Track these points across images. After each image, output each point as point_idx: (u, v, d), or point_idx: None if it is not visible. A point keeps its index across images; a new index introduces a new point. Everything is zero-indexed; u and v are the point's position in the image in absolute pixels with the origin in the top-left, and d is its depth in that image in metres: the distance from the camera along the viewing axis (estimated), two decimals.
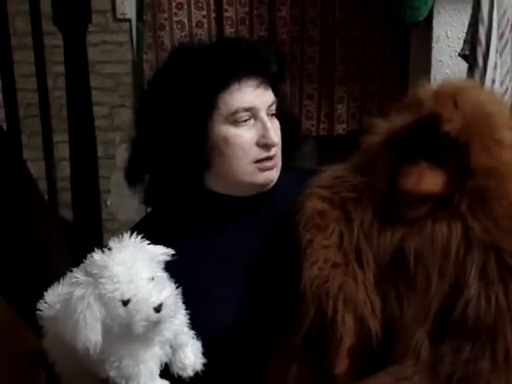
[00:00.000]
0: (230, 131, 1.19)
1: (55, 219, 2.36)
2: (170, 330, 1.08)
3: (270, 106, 1.22)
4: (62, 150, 2.66)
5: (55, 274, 1.15)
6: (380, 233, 1.04)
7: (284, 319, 1.08)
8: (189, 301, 1.14)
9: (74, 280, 1.04)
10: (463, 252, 1.00)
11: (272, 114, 1.23)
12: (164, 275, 1.07)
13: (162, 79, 1.24)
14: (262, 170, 1.21)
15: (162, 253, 1.08)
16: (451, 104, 1.02)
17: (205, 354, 1.15)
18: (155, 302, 1.00)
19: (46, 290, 1.17)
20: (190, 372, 1.11)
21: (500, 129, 1.02)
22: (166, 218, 1.28)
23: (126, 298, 1.00)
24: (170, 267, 1.11)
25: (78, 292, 1.01)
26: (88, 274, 1.03)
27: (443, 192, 1.00)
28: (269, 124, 1.20)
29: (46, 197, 2.48)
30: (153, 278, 1.03)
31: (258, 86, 1.19)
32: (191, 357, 1.12)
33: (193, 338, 1.13)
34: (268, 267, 1.19)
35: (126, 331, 1.02)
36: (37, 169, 2.59)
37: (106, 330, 1.02)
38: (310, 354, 1.05)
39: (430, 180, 1.01)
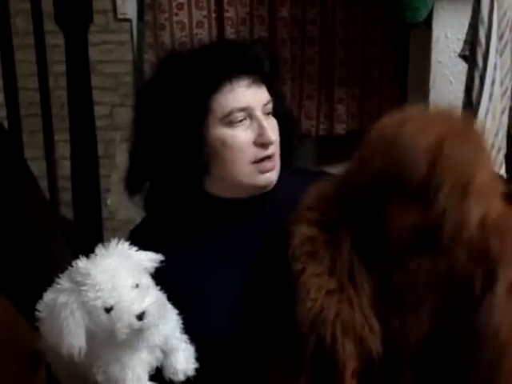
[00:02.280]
0: (227, 133, 1.19)
1: (56, 218, 2.36)
2: (159, 336, 1.09)
3: (266, 104, 1.21)
4: (63, 149, 2.67)
5: (56, 273, 1.15)
6: (364, 262, 1.05)
7: (281, 346, 1.09)
8: (188, 304, 1.14)
9: (58, 287, 1.05)
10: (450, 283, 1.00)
11: (268, 113, 1.22)
12: (149, 282, 1.08)
13: (154, 87, 1.24)
14: (262, 171, 1.21)
15: (149, 259, 1.09)
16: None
17: (200, 357, 1.16)
18: (137, 309, 1.01)
19: (47, 289, 1.17)
20: (181, 377, 1.12)
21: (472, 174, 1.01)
22: (166, 222, 1.28)
23: (108, 306, 1.01)
24: (169, 272, 1.12)
25: (62, 299, 1.03)
26: (71, 281, 1.04)
27: (428, 224, 1.00)
28: (265, 122, 1.19)
29: (47, 195, 2.49)
30: (137, 286, 1.04)
31: (250, 85, 1.19)
32: (183, 362, 1.12)
33: (185, 342, 1.14)
34: (268, 271, 1.19)
35: (109, 338, 1.03)
36: (37, 168, 2.58)
37: (91, 336, 1.03)
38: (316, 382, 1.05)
39: (410, 214, 1.01)
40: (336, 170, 1.32)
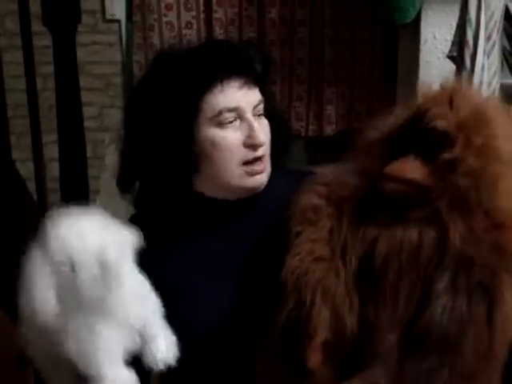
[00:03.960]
0: (216, 133, 1.19)
1: (44, 220, 2.35)
2: (136, 317, 1.06)
3: (257, 105, 1.21)
4: (51, 151, 2.65)
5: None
6: (359, 231, 1.04)
7: (269, 315, 1.08)
8: (176, 302, 1.14)
9: (31, 254, 1.06)
10: (434, 263, 0.98)
11: (259, 114, 1.22)
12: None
13: (145, 86, 1.24)
14: (251, 173, 1.20)
15: (126, 236, 1.08)
16: (447, 103, 1.01)
17: (188, 355, 1.15)
18: (98, 252, 1.01)
19: None
20: (161, 365, 1.09)
21: (495, 136, 1.00)
22: (155, 220, 1.28)
23: (72, 259, 1.01)
24: (157, 269, 1.12)
25: (30, 260, 1.04)
26: (40, 243, 1.05)
27: (424, 182, 0.99)
28: (255, 124, 1.19)
29: (35, 197, 2.48)
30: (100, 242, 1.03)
31: (241, 87, 1.19)
32: (163, 350, 1.10)
33: (166, 330, 1.12)
34: (258, 271, 1.19)
35: (76, 297, 1.02)
36: (26, 169, 2.58)
37: (61, 300, 1.02)
38: (290, 347, 1.04)
39: (413, 168, 0.99)
40: (325, 170, 1.33)
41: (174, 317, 1.13)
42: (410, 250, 0.98)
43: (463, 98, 1.02)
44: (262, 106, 1.23)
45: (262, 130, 1.21)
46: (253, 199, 1.25)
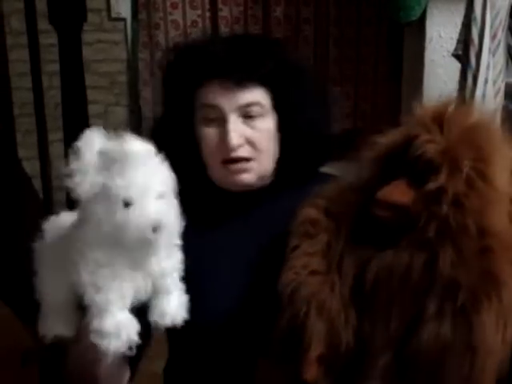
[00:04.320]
0: (201, 129, 1.22)
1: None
2: (157, 265, 1.01)
3: (246, 106, 1.20)
4: (57, 149, 2.66)
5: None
6: (354, 249, 1.04)
7: (271, 323, 1.09)
8: (190, 289, 1.14)
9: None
10: (425, 286, 0.97)
11: (251, 116, 1.20)
12: (173, 202, 1.01)
13: (164, 75, 1.31)
14: (232, 171, 1.21)
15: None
16: (436, 127, 1.00)
17: (200, 342, 1.16)
18: (156, 219, 0.94)
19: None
20: (168, 322, 1.04)
21: (486, 160, 0.98)
22: None
23: (129, 199, 0.94)
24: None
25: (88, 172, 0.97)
26: (103, 160, 0.98)
27: (412, 208, 0.98)
28: (230, 126, 1.18)
29: (41, 195, 2.49)
30: (163, 196, 0.97)
31: (223, 87, 1.18)
32: (173, 306, 1.05)
33: (181, 291, 1.07)
34: (271, 262, 1.20)
35: (114, 235, 0.95)
36: (32, 167, 2.59)
37: (96, 227, 0.96)
38: (287, 360, 1.04)
39: (401, 192, 0.99)
40: (330, 169, 1.33)
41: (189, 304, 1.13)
42: (400, 274, 0.98)
43: (454, 119, 1.01)
44: (256, 108, 1.20)
45: (250, 133, 1.20)
46: (267, 193, 1.26)
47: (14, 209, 2.08)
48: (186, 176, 1.15)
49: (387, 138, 1.06)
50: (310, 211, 1.11)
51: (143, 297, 1.02)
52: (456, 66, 2.25)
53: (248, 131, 1.20)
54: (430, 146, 0.98)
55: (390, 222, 1.00)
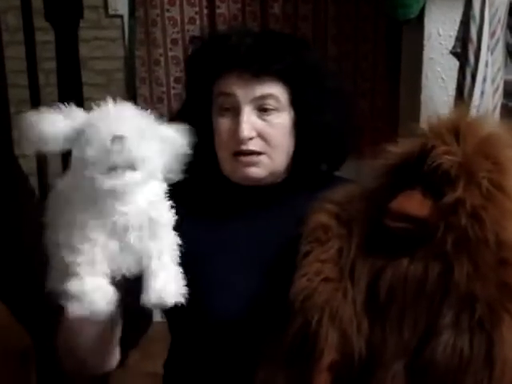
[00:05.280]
0: (216, 119, 1.23)
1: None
2: (138, 241, 0.99)
3: (261, 98, 1.20)
4: None
5: (46, 270, 1.14)
6: (367, 257, 1.03)
7: (276, 325, 1.08)
8: (195, 284, 1.13)
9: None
10: (439, 296, 0.97)
11: (266, 109, 1.20)
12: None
13: (187, 64, 1.35)
14: (241, 164, 1.21)
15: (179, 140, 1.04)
16: (453, 138, 0.99)
17: (206, 337, 1.16)
18: (120, 132, 0.94)
19: (38, 286, 1.15)
20: (152, 302, 1.00)
21: (503, 171, 0.98)
22: (186, 196, 1.25)
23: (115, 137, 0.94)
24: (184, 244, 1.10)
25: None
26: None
27: (429, 220, 0.98)
28: (244, 117, 1.18)
29: (38, 193, 2.48)
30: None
31: (240, 77, 1.19)
32: (159, 288, 1.00)
33: (173, 274, 1.03)
34: (282, 261, 1.18)
35: (80, 166, 0.96)
36: (28, 165, 2.58)
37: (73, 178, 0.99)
38: (295, 366, 1.04)
39: (417, 204, 0.98)
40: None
41: (195, 299, 1.12)
42: (414, 284, 0.97)
43: (470, 130, 1.00)
44: (272, 101, 1.21)
45: (262, 126, 1.20)
46: (280, 190, 1.26)
47: (10, 206, 2.08)
48: (199, 168, 1.15)
49: (401, 148, 1.05)
50: (321, 217, 1.10)
51: (127, 272, 1.01)
52: (454, 63, 2.25)
53: (261, 124, 1.20)
54: (447, 157, 0.97)
55: (403, 234, 0.99)
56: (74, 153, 0.99)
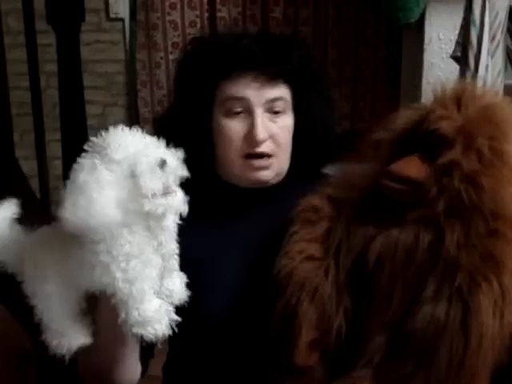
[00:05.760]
0: (223, 122, 1.21)
1: (47, 218, 2.35)
2: (168, 245, 1.02)
3: (272, 101, 1.20)
4: (55, 149, 2.66)
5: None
6: (356, 231, 1.03)
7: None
8: (191, 286, 1.14)
9: (78, 165, 0.97)
10: (427, 266, 0.96)
11: (276, 112, 1.21)
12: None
13: (179, 67, 1.31)
14: (252, 167, 1.21)
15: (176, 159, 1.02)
16: (454, 104, 0.99)
17: (198, 336, 1.16)
18: (158, 157, 0.95)
19: None
20: (176, 301, 1.04)
21: (504, 139, 0.97)
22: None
23: (131, 163, 0.95)
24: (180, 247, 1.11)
25: (85, 164, 0.96)
26: (92, 152, 0.98)
27: (425, 183, 0.97)
28: (258, 120, 1.18)
29: (39, 195, 2.48)
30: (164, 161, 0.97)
31: (255, 80, 1.19)
32: (178, 284, 1.05)
33: (179, 271, 1.07)
34: (270, 262, 1.19)
35: (129, 207, 0.95)
36: (29, 167, 2.58)
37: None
38: (279, 346, 1.04)
39: (415, 167, 0.98)
40: (328, 170, 1.32)
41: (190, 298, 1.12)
42: (404, 252, 0.97)
43: (472, 98, 1.00)
44: (281, 104, 1.21)
45: (274, 128, 1.21)
46: (275, 190, 1.26)
47: None
48: (193, 169, 1.15)
49: (403, 117, 1.05)
50: (313, 199, 1.10)
51: (157, 282, 1.02)
52: (455, 67, 2.25)
53: (272, 126, 1.21)
54: (445, 121, 0.97)
55: (398, 196, 0.99)
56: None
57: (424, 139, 0.99)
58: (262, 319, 1.10)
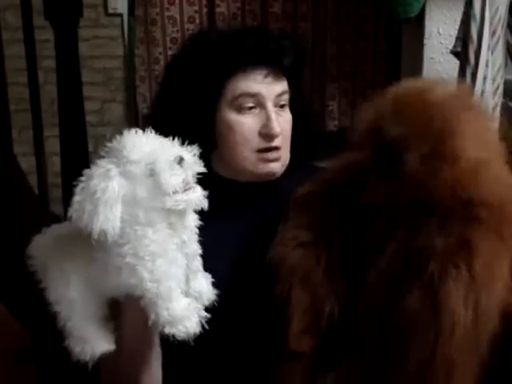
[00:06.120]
0: (234, 118, 1.21)
1: (46, 214, 2.35)
2: (191, 244, 1.04)
3: (280, 95, 1.22)
4: (53, 145, 2.65)
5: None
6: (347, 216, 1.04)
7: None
8: None
9: (93, 169, 0.98)
10: (412, 258, 0.96)
11: (282, 105, 1.24)
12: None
13: (179, 62, 1.29)
14: (264, 160, 1.22)
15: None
16: (397, 113, 1.01)
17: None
18: (175, 154, 0.97)
19: (35, 285, 1.14)
20: (205, 301, 1.06)
21: (450, 135, 0.97)
22: None
23: (149, 162, 0.96)
24: None
25: (99, 169, 0.97)
26: (108, 158, 0.99)
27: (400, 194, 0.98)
28: (273, 114, 1.20)
29: (37, 192, 2.48)
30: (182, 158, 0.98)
31: (266, 76, 1.20)
32: (205, 284, 1.07)
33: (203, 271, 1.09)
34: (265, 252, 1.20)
35: (151, 205, 0.96)
36: (27, 164, 2.58)
37: (130, 214, 0.96)
38: (274, 332, 1.05)
39: (376, 192, 1.00)
40: (325, 164, 1.33)
41: None
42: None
43: (408, 104, 1.01)
44: (286, 97, 1.24)
45: (282, 122, 1.23)
46: (272, 185, 1.27)
47: (9, 205, 2.07)
48: None
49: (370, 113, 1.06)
50: (309, 185, 1.12)
51: (184, 281, 1.02)
52: (455, 63, 2.24)
53: (280, 120, 1.23)
54: (390, 131, 0.98)
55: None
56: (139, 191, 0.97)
57: (377, 159, 1.00)
58: (255, 307, 1.10)
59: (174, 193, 0.96)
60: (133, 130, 1.01)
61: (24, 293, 1.09)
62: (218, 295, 1.15)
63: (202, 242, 1.22)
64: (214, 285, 1.14)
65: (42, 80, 2.64)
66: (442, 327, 0.92)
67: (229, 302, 1.18)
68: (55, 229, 1.07)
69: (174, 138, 1.12)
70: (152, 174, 0.96)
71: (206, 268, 1.20)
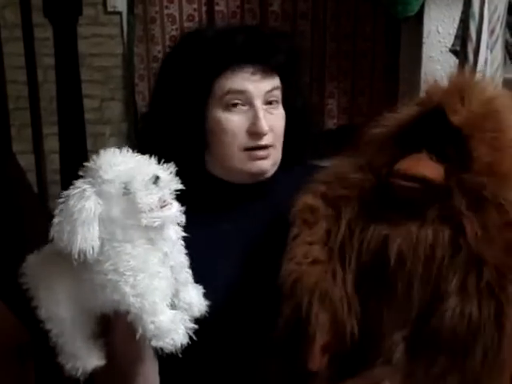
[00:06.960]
0: (222, 115, 1.20)
1: (45, 212, 2.35)
2: (175, 257, 1.04)
3: (270, 91, 1.21)
4: (52, 143, 2.65)
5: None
6: (363, 230, 1.02)
7: (267, 312, 1.08)
8: None
9: (69, 190, 0.99)
10: (447, 261, 0.96)
11: (272, 101, 1.23)
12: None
13: (170, 61, 1.29)
14: (253, 158, 1.21)
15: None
16: (458, 98, 0.99)
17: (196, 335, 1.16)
18: (151, 173, 0.98)
19: None
20: (196, 312, 1.06)
21: (508, 129, 0.98)
22: None
23: (124, 181, 0.97)
24: None
25: (75, 190, 0.97)
26: (85, 176, 1.00)
27: (439, 182, 0.97)
28: (261, 112, 1.19)
29: (36, 189, 2.48)
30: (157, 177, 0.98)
31: (255, 73, 1.19)
32: (195, 296, 1.07)
33: (193, 281, 1.09)
34: (266, 257, 1.18)
35: (128, 223, 0.97)
36: (26, 161, 2.57)
37: (109, 233, 0.97)
38: (289, 351, 1.04)
39: (426, 165, 0.97)
40: (326, 164, 1.33)
41: None
42: (424, 248, 0.97)
43: (473, 92, 1.01)
44: (277, 93, 1.23)
45: (273, 119, 1.22)
46: (266, 184, 1.26)
47: (8, 203, 2.07)
48: (181, 166, 1.15)
49: (400, 113, 1.05)
50: (307, 198, 1.10)
51: (171, 294, 1.03)
52: (454, 61, 2.25)
53: (270, 118, 1.22)
54: (456, 116, 0.97)
55: (410, 195, 0.98)
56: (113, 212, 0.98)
57: (430, 133, 0.99)
58: (258, 318, 1.10)
59: (149, 210, 0.97)
60: (110, 150, 1.02)
61: (22, 289, 1.10)
62: (214, 299, 1.14)
63: (194, 244, 1.23)
64: (212, 288, 1.14)
65: (41, 78, 2.63)
66: (504, 335, 0.93)
67: (226, 305, 1.18)
68: (47, 248, 1.08)
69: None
70: (127, 193, 0.97)
71: (203, 273, 1.21)
